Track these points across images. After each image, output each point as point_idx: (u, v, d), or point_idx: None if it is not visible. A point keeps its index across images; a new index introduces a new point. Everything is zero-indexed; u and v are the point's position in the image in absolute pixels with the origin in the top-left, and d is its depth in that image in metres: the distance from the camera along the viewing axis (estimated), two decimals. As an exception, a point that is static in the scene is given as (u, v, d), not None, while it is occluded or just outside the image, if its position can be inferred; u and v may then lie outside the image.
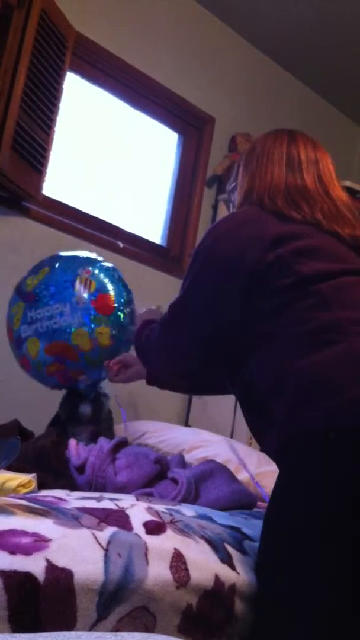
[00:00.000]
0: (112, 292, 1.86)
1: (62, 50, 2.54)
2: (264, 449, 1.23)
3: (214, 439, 2.21)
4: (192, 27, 3.29)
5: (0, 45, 2.36)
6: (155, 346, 1.41)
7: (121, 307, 1.85)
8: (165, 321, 1.37)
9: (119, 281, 1.92)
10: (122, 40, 2.98)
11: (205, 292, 1.27)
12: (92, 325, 1.80)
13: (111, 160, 3.07)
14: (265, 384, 1.16)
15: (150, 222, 3.22)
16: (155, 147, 3.28)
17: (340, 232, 1.24)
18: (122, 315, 1.85)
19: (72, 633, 0.62)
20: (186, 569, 0.97)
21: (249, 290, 1.20)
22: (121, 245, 2.93)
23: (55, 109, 2.53)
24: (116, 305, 1.85)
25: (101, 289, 1.86)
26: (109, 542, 0.92)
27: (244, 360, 1.22)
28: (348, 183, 3.26)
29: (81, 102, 2.95)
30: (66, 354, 1.79)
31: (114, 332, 1.82)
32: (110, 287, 1.87)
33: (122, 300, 1.87)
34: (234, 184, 1.46)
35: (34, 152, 2.42)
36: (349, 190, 3.41)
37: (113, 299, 1.85)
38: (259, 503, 1.55)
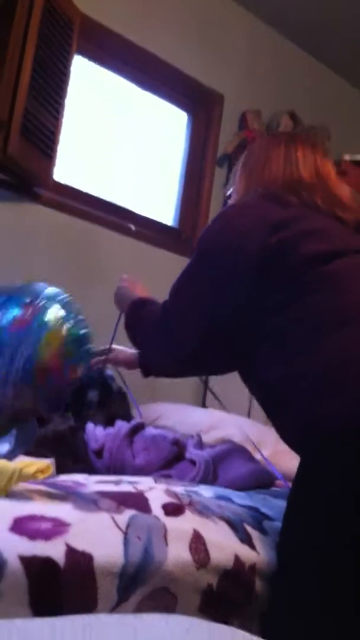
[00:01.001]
0: None
1: (68, 33, 2.52)
2: (283, 439, 1.21)
3: (231, 419, 2.21)
4: (199, 4, 3.25)
5: (6, 30, 2.34)
6: (152, 329, 1.39)
7: None
8: (167, 305, 1.36)
9: None
10: (128, 20, 2.95)
11: (211, 276, 1.26)
12: None
13: (121, 142, 3.06)
14: (278, 379, 1.13)
15: (161, 204, 3.21)
16: (165, 127, 3.25)
17: (342, 215, 1.24)
18: None
19: (93, 616, 0.63)
20: (206, 550, 0.98)
21: (255, 273, 1.19)
22: (133, 228, 2.92)
23: (63, 93, 2.52)
24: None
25: None
26: (128, 525, 0.93)
27: (255, 354, 1.20)
28: (359, 157, 3.23)
29: (89, 85, 2.93)
30: None
31: None
32: None
33: None
34: (232, 188, 1.46)
35: (43, 138, 2.41)
36: (361, 164, 3.38)
37: None
38: (276, 482, 1.55)
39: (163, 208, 3.21)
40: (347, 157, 3.47)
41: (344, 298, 1.11)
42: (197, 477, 1.40)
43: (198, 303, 1.28)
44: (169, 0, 3.12)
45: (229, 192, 1.49)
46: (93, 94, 2.96)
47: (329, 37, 3.58)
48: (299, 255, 1.16)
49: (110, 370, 1.89)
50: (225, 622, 0.96)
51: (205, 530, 1.01)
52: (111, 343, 1.80)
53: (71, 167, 2.82)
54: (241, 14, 3.44)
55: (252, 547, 1.05)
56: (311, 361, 1.07)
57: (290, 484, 1.36)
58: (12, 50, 2.31)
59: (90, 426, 1.55)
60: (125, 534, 0.91)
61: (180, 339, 1.32)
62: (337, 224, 1.23)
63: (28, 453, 1.27)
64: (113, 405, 1.78)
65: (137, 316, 1.47)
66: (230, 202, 1.48)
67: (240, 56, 3.43)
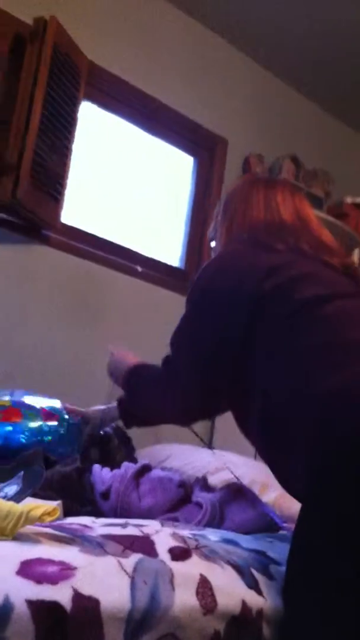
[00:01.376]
0: None
1: (76, 80, 2.59)
2: (283, 484, 1.21)
3: (238, 461, 2.20)
4: (202, 51, 3.33)
5: (15, 78, 2.41)
6: (157, 385, 1.40)
7: None
8: (168, 358, 1.37)
9: None
10: (134, 67, 3.03)
11: (206, 322, 1.28)
12: None
13: (127, 186, 3.11)
14: (281, 410, 1.14)
15: (167, 246, 3.24)
16: (172, 170, 3.31)
17: (329, 260, 1.26)
18: None
19: (100, 663, 0.62)
20: (213, 595, 0.97)
21: (250, 319, 1.21)
22: (139, 269, 2.95)
23: (71, 137, 2.57)
24: None
25: None
26: (134, 570, 0.92)
27: (254, 389, 1.20)
28: (361, 200, 3.28)
29: (96, 130, 2.99)
30: None
31: None
32: None
33: None
34: (214, 233, 1.49)
35: (51, 181, 2.46)
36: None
37: None
38: (284, 525, 1.54)
39: (169, 249, 3.24)
40: (349, 200, 3.52)
41: (340, 339, 1.12)
42: (204, 520, 1.39)
43: (199, 346, 1.30)
44: (174, 48, 3.21)
45: (212, 235, 1.51)
46: (100, 138, 3.02)
47: (331, 84, 3.66)
48: (293, 299, 1.18)
49: (108, 429, 1.88)
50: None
51: (212, 575, 1.00)
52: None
53: (78, 209, 2.86)
54: (244, 61, 3.53)
55: (259, 592, 1.04)
56: (314, 392, 1.07)
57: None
58: (22, 95, 2.37)
59: (96, 468, 1.54)
60: (132, 578, 0.90)
61: (187, 385, 1.33)
62: (325, 268, 1.26)
63: (35, 495, 1.26)
64: (116, 458, 1.77)
65: (138, 378, 1.48)
66: (213, 250, 1.51)
67: (243, 102, 3.50)
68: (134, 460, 1.82)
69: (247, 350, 1.22)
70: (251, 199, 1.41)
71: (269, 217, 1.36)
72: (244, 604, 0.99)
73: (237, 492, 1.54)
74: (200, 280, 1.34)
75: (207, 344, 1.28)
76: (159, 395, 1.41)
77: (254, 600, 1.02)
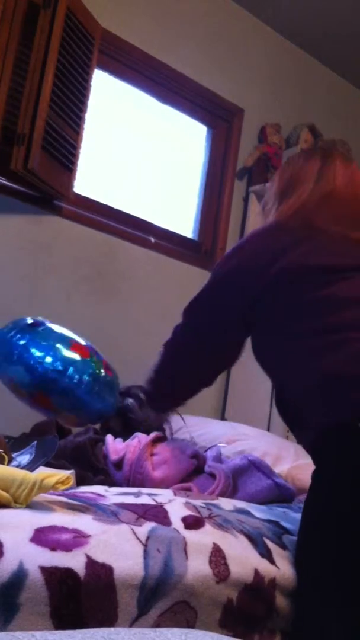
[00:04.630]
0: None
1: (89, 48, 2.55)
2: (300, 442, 1.23)
3: (251, 432, 2.20)
4: (219, 19, 3.27)
5: (28, 45, 2.38)
6: (173, 350, 1.46)
7: None
8: (177, 325, 1.42)
9: None
10: (148, 35, 2.98)
11: (212, 297, 1.35)
12: None
13: (141, 156, 3.08)
14: (290, 384, 1.20)
15: (181, 217, 3.22)
16: (185, 141, 3.27)
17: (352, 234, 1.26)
18: None
19: (112, 629, 0.62)
20: (225, 564, 0.97)
21: (250, 303, 1.26)
22: (153, 240, 2.93)
23: (83, 107, 2.54)
24: None
25: None
26: (148, 538, 0.93)
27: (268, 361, 1.28)
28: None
29: (110, 98, 2.95)
30: None
31: None
32: None
33: None
34: (264, 204, 1.49)
35: (64, 151, 2.43)
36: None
37: None
38: (298, 496, 1.54)
39: (183, 221, 3.22)
40: (367, 170, 3.46)
41: (339, 318, 1.15)
42: (217, 490, 1.40)
43: (201, 319, 1.37)
44: (189, 15, 3.15)
45: (264, 205, 1.50)
46: (114, 107, 2.98)
47: (349, 51, 3.58)
48: (296, 285, 1.21)
49: (129, 400, 1.88)
50: (246, 637, 0.95)
51: (225, 544, 1.00)
52: None
53: (91, 179, 2.84)
54: (261, 28, 3.46)
55: (272, 561, 1.05)
56: (316, 369, 1.12)
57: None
58: (34, 64, 2.34)
59: (109, 438, 1.55)
60: (146, 546, 0.91)
61: (199, 328, 1.38)
62: (345, 242, 1.25)
63: (48, 464, 1.27)
64: (140, 428, 1.76)
65: (163, 355, 1.50)
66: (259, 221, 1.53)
67: (260, 70, 3.44)
68: (162, 430, 1.83)
69: (247, 331, 1.30)
70: (304, 170, 1.40)
71: (319, 189, 1.35)
72: (256, 572, 1.00)
73: (250, 462, 1.54)
74: (225, 254, 1.38)
75: (206, 320, 1.35)
76: (175, 357, 1.45)
77: (267, 569, 1.02)
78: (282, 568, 1.05)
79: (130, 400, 1.86)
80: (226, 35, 3.29)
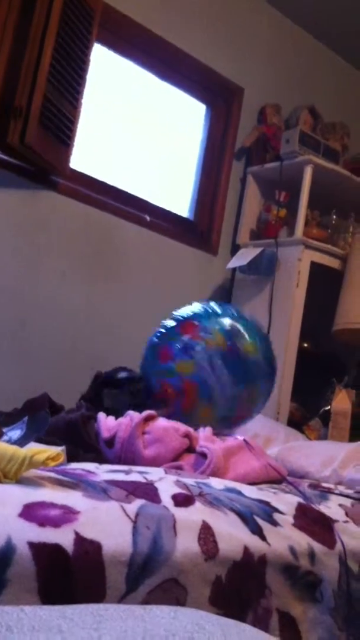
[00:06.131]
0: None
1: (89, 22, 2.51)
2: None
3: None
4: (221, -4, 3.23)
5: (27, 17, 2.34)
6: None
7: None
8: None
9: None
10: (149, 11, 2.93)
11: None
12: None
13: (139, 133, 3.05)
14: None
15: (178, 196, 3.19)
16: (183, 119, 3.24)
17: None
18: None
19: (101, 605, 0.62)
20: (214, 541, 0.97)
21: None
22: (148, 218, 2.91)
23: (82, 81, 2.51)
24: None
25: None
26: (137, 515, 0.92)
27: None
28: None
29: (108, 74, 2.92)
30: None
31: None
32: None
33: None
34: None
35: (61, 126, 2.40)
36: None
37: None
38: (287, 478, 1.54)
39: (179, 199, 3.20)
40: (366, 154, 3.44)
41: None
42: (208, 470, 1.39)
43: None
44: (190, -9, 3.10)
45: None
46: (112, 83, 2.95)
47: (351, 33, 3.55)
48: None
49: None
50: (240, 616, 0.95)
51: (214, 522, 1.00)
52: None
53: (88, 156, 2.81)
54: (264, 7, 3.41)
55: (263, 538, 1.04)
56: None
57: (298, 481, 1.36)
58: (33, 36, 2.30)
59: (101, 415, 1.54)
60: (135, 523, 0.90)
61: None
62: None
63: (39, 440, 1.27)
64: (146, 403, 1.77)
65: None
66: None
67: (261, 50, 3.40)
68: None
69: None
70: None
71: None
72: (245, 549, 1.00)
73: (241, 443, 1.54)
74: None
75: None
76: None
77: (257, 545, 1.02)
78: (273, 544, 1.04)
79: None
80: (228, 13, 3.25)
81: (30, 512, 0.83)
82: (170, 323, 1.85)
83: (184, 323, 1.82)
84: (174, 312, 1.89)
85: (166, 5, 3.01)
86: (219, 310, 1.85)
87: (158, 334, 1.86)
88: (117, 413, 1.58)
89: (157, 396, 1.78)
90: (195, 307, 1.88)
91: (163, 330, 1.86)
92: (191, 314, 1.84)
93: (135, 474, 1.12)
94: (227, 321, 1.81)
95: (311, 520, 1.17)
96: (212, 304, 1.89)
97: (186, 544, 0.93)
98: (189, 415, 1.72)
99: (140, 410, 1.54)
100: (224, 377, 1.73)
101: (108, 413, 1.58)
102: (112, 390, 1.77)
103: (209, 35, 3.18)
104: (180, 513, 0.98)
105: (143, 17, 2.90)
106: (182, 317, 1.85)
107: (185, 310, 1.87)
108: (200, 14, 3.14)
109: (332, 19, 3.45)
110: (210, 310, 1.85)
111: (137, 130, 3.04)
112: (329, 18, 3.45)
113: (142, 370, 1.87)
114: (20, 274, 2.54)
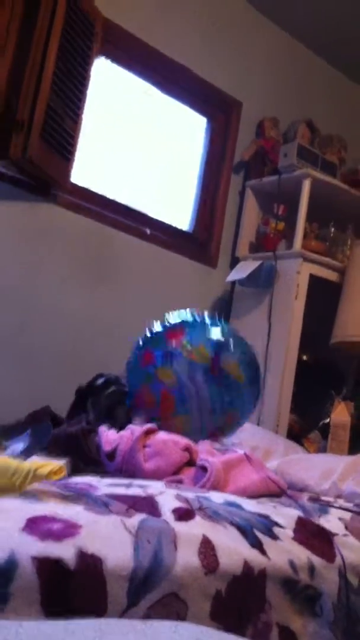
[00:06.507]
0: None
1: (90, 37, 2.54)
2: None
3: (243, 426, 2.20)
4: (220, 12, 3.26)
5: (29, 31, 2.36)
6: None
7: None
8: None
9: None
10: (149, 25, 2.96)
11: None
12: None
13: (139, 146, 3.07)
14: None
15: (177, 209, 3.21)
16: (184, 132, 3.26)
17: None
18: None
19: (103, 620, 0.63)
20: (215, 555, 0.97)
21: None
22: (148, 231, 2.93)
23: (83, 96, 2.53)
24: None
25: None
26: (138, 529, 0.93)
27: None
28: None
29: (109, 86, 2.94)
30: None
31: None
32: None
33: None
34: None
35: (62, 140, 2.42)
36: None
37: None
38: (287, 491, 1.55)
39: (179, 213, 3.21)
40: (364, 167, 3.46)
41: None
42: (208, 483, 1.40)
43: None
44: (190, 7, 3.14)
45: None
46: (113, 94, 2.97)
47: (349, 47, 3.58)
48: None
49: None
50: (240, 630, 0.95)
51: (214, 536, 1.01)
52: None
53: (89, 169, 2.83)
54: (262, 22, 3.45)
55: (263, 552, 1.05)
56: None
57: (297, 494, 1.37)
58: (35, 51, 2.33)
59: (103, 428, 1.55)
60: (136, 537, 0.91)
61: None
62: None
63: (44, 450, 1.27)
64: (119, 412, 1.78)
65: None
66: None
67: (260, 64, 3.43)
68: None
69: None
70: None
71: None
72: (246, 563, 1.00)
73: (241, 457, 1.55)
74: None
75: None
76: None
77: (257, 559, 1.02)
78: (273, 558, 1.05)
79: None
80: (227, 28, 3.29)
81: (33, 526, 0.84)
82: (159, 328, 1.87)
83: (171, 330, 1.83)
84: (166, 315, 1.90)
85: (166, 20, 3.04)
86: (208, 323, 1.86)
87: (144, 337, 1.88)
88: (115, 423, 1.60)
89: (136, 400, 1.79)
90: (187, 315, 1.89)
91: (149, 335, 1.87)
92: (180, 322, 1.86)
93: (136, 488, 1.13)
94: (214, 335, 1.82)
95: (311, 534, 1.18)
96: (205, 315, 1.90)
97: (186, 558, 0.93)
98: (164, 423, 1.72)
99: (115, 413, 1.55)
100: (203, 392, 1.73)
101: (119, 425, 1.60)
102: (94, 398, 1.79)
103: (207, 50, 3.21)
104: (180, 527, 0.98)
105: (143, 31, 2.93)
106: (171, 324, 1.86)
107: (176, 318, 1.89)
108: (199, 28, 3.17)
109: (330, 33, 3.49)
110: (199, 321, 1.86)
111: (138, 143, 3.06)
112: (326, 32, 3.49)
113: (127, 368, 1.88)
114: (20, 284, 2.55)
